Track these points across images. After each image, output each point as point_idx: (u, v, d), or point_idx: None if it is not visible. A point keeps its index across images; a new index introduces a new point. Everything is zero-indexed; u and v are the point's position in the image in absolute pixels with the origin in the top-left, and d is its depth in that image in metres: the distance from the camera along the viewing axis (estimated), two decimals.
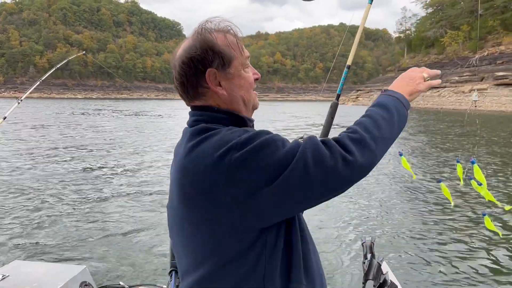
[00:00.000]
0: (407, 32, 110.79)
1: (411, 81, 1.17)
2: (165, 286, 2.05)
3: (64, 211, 7.17)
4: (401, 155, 1.48)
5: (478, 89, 56.86)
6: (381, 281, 1.21)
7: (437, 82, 1.22)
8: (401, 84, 1.17)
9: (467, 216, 6.79)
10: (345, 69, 1.65)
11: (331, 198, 0.99)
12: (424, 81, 1.18)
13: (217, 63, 1.08)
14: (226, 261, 1.01)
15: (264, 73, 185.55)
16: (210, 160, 0.96)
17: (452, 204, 1.47)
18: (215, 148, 0.97)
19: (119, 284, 2.39)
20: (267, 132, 1.02)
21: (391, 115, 1.07)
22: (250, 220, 0.97)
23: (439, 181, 1.43)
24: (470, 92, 58.39)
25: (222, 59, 1.08)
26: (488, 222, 1.37)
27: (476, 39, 70.94)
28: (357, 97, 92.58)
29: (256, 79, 1.17)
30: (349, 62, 1.63)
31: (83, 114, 40.08)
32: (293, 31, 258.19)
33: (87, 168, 11.57)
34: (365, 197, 8.23)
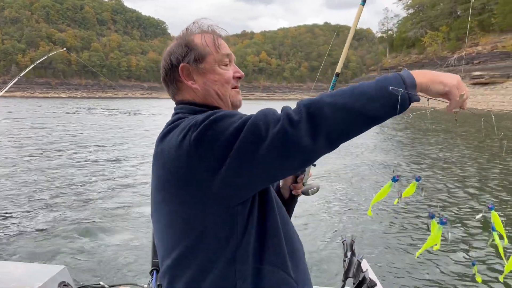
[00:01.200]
0: (389, 32, 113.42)
1: (442, 74, 1.00)
2: (146, 285, 2.04)
3: (43, 210, 7.01)
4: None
5: None
6: (360, 279, 1.26)
7: (457, 105, 0.99)
8: (427, 71, 1.00)
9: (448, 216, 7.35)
10: (334, 77, 1.62)
11: (290, 166, 0.97)
12: (458, 93, 0.96)
13: (189, 59, 1.16)
14: (196, 242, 1.03)
15: (250, 72, 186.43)
16: (175, 143, 1.00)
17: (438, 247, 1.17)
18: (179, 131, 1.01)
19: (99, 284, 2.34)
20: (224, 110, 1.05)
21: (368, 86, 0.95)
22: (217, 197, 0.98)
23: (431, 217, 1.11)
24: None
25: (195, 55, 1.15)
26: (477, 276, 1.15)
27: (454, 39, 73.43)
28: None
29: (238, 77, 1.22)
30: (338, 70, 1.58)
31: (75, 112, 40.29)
32: (278, 30, 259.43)
33: (65, 166, 11.35)
34: (347, 197, 8.32)
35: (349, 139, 0.96)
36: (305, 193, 1.26)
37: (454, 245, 5.42)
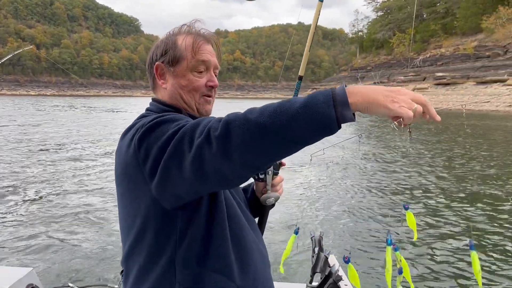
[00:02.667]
0: (359, 33, 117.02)
1: (389, 92, 0.83)
2: (117, 286, 2.04)
3: (7, 212, 6.87)
4: (406, 208, 1.24)
5: (419, 88, 62.24)
6: (327, 273, 1.29)
7: (409, 119, 0.81)
8: (371, 88, 0.84)
9: (418, 212, 6.87)
10: (298, 81, 1.52)
11: (208, 184, 0.92)
12: (409, 109, 0.81)
13: (165, 59, 1.17)
14: (139, 241, 1.05)
15: (224, 70, 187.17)
16: (127, 142, 1.02)
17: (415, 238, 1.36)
18: (134, 130, 1.02)
19: (68, 286, 2.28)
20: (172, 115, 1.05)
21: (293, 102, 0.83)
22: (155, 199, 0.99)
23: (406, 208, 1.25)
24: (413, 91, 63.64)
25: (171, 56, 1.16)
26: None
27: (420, 41, 76.99)
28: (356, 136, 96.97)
29: (210, 86, 1.19)
30: (301, 72, 1.51)
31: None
32: (252, 29, 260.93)
33: (31, 166, 11.14)
34: (318, 195, 8.41)
35: (272, 161, 0.90)
36: (263, 202, 1.27)
37: (424, 244, 5.45)
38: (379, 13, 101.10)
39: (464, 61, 64.50)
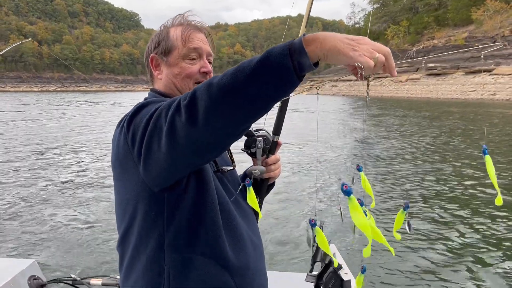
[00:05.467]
0: (356, 25, 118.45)
1: (349, 40, 0.79)
2: (119, 277, 1.84)
3: (10, 203, 6.94)
4: (360, 170, 1.13)
5: (412, 78, 64.18)
6: (327, 262, 1.30)
7: (370, 69, 0.78)
8: (331, 35, 0.79)
9: (416, 206, 6.71)
10: None
11: (183, 155, 0.91)
12: (370, 58, 0.78)
13: (158, 50, 1.22)
14: (130, 224, 1.08)
15: (225, 64, 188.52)
16: (119, 129, 1.05)
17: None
18: (124, 117, 1.05)
19: (70, 277, 2.26)
20: (157, 98, 1.13)
21: (248, 61, 0.81)
22: (143, 182, 1.00)
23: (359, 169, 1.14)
24: (406, 81, 65.68)
25: (163, 47, 1.21)
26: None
27: (414, 33, 78.67)
28: (310, 88, 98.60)
29: (204, 73, 1.20)
30: None
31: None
32: (252, 22, 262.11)
33: (34, 158, 11.32)
34: (317, 183, 8.37)
35: (241, 123, 0.86)
36: (249, 175, 1.27)
37: (424, 238, 5.30)
38: (375, 6, 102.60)
39: (455, 52, 66.36)
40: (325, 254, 1.30)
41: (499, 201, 0.96)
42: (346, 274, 1.60)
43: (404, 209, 1.02)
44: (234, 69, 0.82)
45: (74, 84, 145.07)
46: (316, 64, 0.80)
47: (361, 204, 0.95)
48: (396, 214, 1.04)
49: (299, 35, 1.22)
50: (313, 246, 1.41)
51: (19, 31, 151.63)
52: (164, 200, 1.03)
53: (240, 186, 1.22)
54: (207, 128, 0.83)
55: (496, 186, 0.97)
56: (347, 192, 0.85)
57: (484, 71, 54.42)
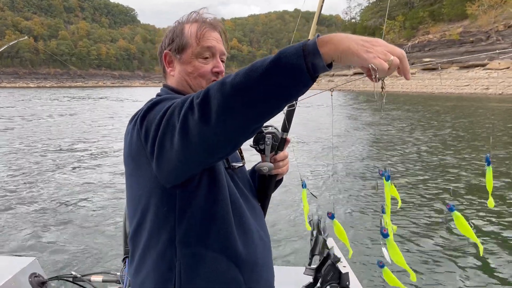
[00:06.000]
0: (352, 20, 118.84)
1: (364, 42, 0.79)
2: (119, 273, 2.07)
3: (11, 201, 6.96)
4: (387, 178, 1.12)
5: None
6: (325, 255, 1.32)
7: (384, 72, 0.77)
8: (346, 36, 0.80)
9: (415, 199, 6.82)
10: None
11: (195, 153, 0.91)
12: (384, 61, 0.77)
13: (171, 47, 1.21)
14: (142, 220, 1.09)
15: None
16: (132, 124, 1.05)
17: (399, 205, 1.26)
18: (137, 113, 1.06)
19: (71, 274, 2.26)
20: (171, 95, 1.14)
21: (262, 60, 0.82)
22: (156, 178, 1.01)
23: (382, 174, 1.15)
24: (401, 75, 66.23)
25: (177, 44, 1.20)
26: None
27: (409, 28, 79.17)
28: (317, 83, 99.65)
29: (216, 72, 1.20)
30: None
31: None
32: (248, 16, 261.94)
33: (35, 155, 11.35)
34: (317, 178, 8.37)
35: (253, 123, 0.86)
36: (258, 172, 1.31)
37: (420, 231, 5.34)
38: (371, 1, 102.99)
39: (449, 47, 66.97)
40: (323, 248, 1.37)
41: (491, 203, 0.94)
42: (344, 267, 1.65)
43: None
44: (247, 69, 0.82)
45: (70, 80, 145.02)
46: (330, 65, 0.80)
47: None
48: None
49: (310, 32, 1.29)
50: (311, 240, 1.53)
51: (15, 27, 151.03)
52: (176, 197, 1.04)
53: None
54: (220, 126, 0.84)
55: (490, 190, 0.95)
56: (385, 235, 0.86)
57: (477, 66, 55.14)
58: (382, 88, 0.88)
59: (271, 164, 1.29)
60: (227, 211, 1.09)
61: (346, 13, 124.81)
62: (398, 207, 1.19)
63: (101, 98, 48.87)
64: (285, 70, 0.78)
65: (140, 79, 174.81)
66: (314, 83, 0.82)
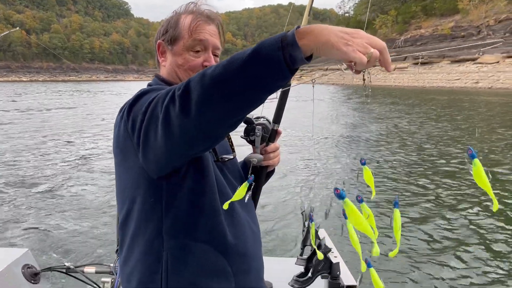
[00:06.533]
0: (346, 15, 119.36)
1: (343, 34, 0.76)
2: (113, 265, 2.09)
3: (3, 193, 6.94)
4: (363, 164, 1.12)
5: (400, 68, 65.54)
6: (316, 245, 1.31)
7: (363, 64, 0.74)
8: (326, 28, 0.77)
9: (408, 192, 6.88)
10: None
11: (176, 144, 0.91)
12: (364, 53, 0.74)
13: (165, 37, 1.21)
14: (130, 210, 1.09)
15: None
16: (120, 115, 1.06)
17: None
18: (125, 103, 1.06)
19: (64, 265, 2.24)
20: (158, 86, 1.14)
21: (241, 52, 0.80)
22: (142, 169, 1.02)
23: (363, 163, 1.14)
24: (394, 70, 67.02)
25: (170, 35, 1.19)
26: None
27: (401, 23, 79.84)
28: (300, 76, 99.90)
29: (206, 66, 1.17)
30: None
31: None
32: (243, 10, 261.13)
33: (27, 146, 11.31)
34: (308, 171, 8.44)
35: (232, 115, 0.85)
36: (247, 163, 1.29)
37: (412, 222, 5.43)
38: None
39: (441, 41, 67.78)
40: (315, 238, 1.34)
41: (496, 206, 0.88)
42: (335, 257, 1.70)
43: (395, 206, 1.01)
44: (227, 60, 0.81)
45: (63, 74, 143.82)
46: (309, 58, 0.77)
47: (361, 200, 0.97)
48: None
49: (302, 25, 1.21)
50: (303, 231, 1.57)
51: (7, 20, 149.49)
52: (162, 187, 1.04)
53: (248, 184, 1.16)
54: (200, 119, 0.83)
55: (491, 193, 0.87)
56: (340, 196, 0.84)
57: (468, 60, 55.96)
58: (364, 79, 0.86)
59: (261, 156, 1.29)
60: (215, 203, 1.08)
61: (340, 7, 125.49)
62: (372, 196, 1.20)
63: (101, 91, 49.00)
64: (263, 62, 0.77)
65: (134, 73, 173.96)
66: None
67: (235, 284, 1.11)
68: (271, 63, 0.76)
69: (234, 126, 0.90)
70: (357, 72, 0.80)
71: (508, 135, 12.86)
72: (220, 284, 1.09)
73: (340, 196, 0.83)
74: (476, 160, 0.85)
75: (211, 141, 0.94)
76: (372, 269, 1.00)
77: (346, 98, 35.69)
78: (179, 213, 1.05)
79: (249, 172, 1.24)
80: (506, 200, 6.33)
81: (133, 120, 0.98)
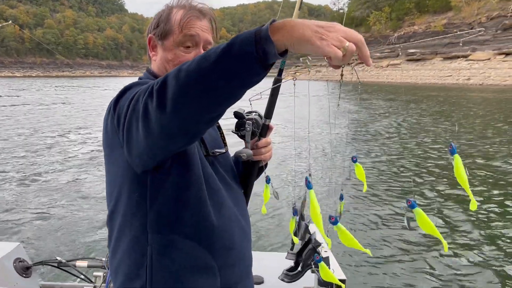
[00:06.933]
0: (340, 11, 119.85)
1: (318, 28, 0.73)
2: (105, 259, 2.08)
3: None
4: (355, 161, 1.15)
5: (393, 64, 66.19)
6: (306, 240, 1.33)
7: (338, 60, 0.73)
8: (300, 23, 0.74)
9: (396, 188, 6.99)
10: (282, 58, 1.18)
11: (152, 139, 0.90)
12: (339, 48, 0.72)
13: (156, 32, 1.19)
14: (117, 203, 1.10)
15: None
16: (108, 109, 1.05)
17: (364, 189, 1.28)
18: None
19: (56, 259, 2.22)
20: (144, 80, 1.14)
21: (216, 47, 0.78)
22: (127, 164, 1.02)
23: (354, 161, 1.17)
24: (387, 66, 67.65)
25: (161, 30, 1.17)
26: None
27: (395, 19, 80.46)
28: (295, 72, 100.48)
29: None
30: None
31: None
32: (237, 6, 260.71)
33: (19, 142, 11.28)
34: (300, 165, 8.56)
35: (207, 112, 0.83)
36: (237, 158, 1.29)
37: (394, 218, 5.49)
38: None
39: (434, 38, 68.54)
40: (305, 232, 1.38)
41: (473, 205, 0.86)
42: (325, 251, 1.72)
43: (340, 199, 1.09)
44: (203, 55, 0.79)
45: (57, 69, 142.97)
46: (283, 54, 0.76)
47: (341, 198, 1.02)
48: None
49: (293, 18, 1.22)
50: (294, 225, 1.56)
51: (0, 15, 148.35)
52: (147, 182, 1.04)
53: (269, 185, 1.30)
54: (176, 114, 0.82)
55: (468, 191, 0.85)
56: (335, 223, 0.88)
57: (460, 57, 56.68)
58: (342, 74, 0.83)
59: (250, 151, 1.28)
60: (201, 197, 1.08)
61: (334, 4, 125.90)
62: (364, 190, 1.28)
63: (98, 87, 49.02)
64: (237, 57, 0.75)
65: (129, 69, 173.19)
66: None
67: (221, 279, 1.11)
68: (244, 57, 0.74)
69: (212, 122, 0.88)
70: (336, 67, 0.77)
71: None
72: (205, 279, 1.09)
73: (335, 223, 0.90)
74: (457, 156, 0.82)
75: (190, 137, 0.92)
76: (340, 225, 1.00)
77: (334, 94, 35.99)
78: (163, 208, 1.05)
79: (242, 167, 1.31)
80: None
81: (118, 116, 0.98)
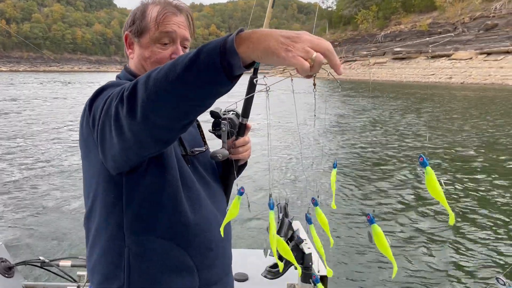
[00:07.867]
0: (329, 9, 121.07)
1: (284, 39, 0.70)
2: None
3: None
4: (335, 166, 1.13)
5: (379, 62, 67.57)
6: (289, 236, 1.34)
7: (307, 70, 0.70)
8: (266, 34, 0.71)
9: (383, 185, 6.97)
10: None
11: (125, 145, 0.88)
12: (306, 58, 0.69)
13: (132, 29, 1.17)
14: (93, 204, 1.08)
15: (199, 45, 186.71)
16: (84, 109, 1.03)
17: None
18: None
19: (39, 259, 2.19)
20: (120, 81, 1.13)
21: (185, 54, 0.77)
22: (102, 165, 1.00)
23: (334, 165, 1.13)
24: (373, 65, 69.01)
25: (137, 27, 1.15)
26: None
27: (382, 18, 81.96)
28: (283, 70, 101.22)
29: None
30: None
31: None
32: (227, 2, 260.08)
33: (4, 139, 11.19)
34: (288, 163, 8.51)
35: (176, 120, 0.82)
36: (213, 158, 1.23)
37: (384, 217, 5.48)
38: None
39: (419, 37, 70.09)
40: (288, 230, 1.38)
41: (452, 219, 0.80)
42: (308, 248, 1.74)
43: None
44: (171, 63, 0.77)
45: (44, 64, 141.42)
46: (249, 66, 0.74)
47: (315, 204, 1.01)
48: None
49: (266, 15, 1.32)
50: (278, 223, 1.55)
51: None
52: (122, 184, 1.03)
53: (240, 197, 1.02)
54: (146, 122, 0.80)
55: (446, 204, 0.78)
56: (309, 220, 0.94)
57: (443, 56, 58.26)
58: (314, 84, 0.79)
59: (226, 151, 1.24)
60: (177, 198, 1.07)
61: (323, 2, 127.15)
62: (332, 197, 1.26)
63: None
64: (203, 67, 0.73)
65: (117, 64, 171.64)
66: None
67: (199, 279, 1.11)
68: (210, 68, 0.72)
69: (185, 129, 0.87)
70: (308, 77, 0.73)
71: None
72: (183, 280, 1.08)
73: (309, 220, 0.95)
74: (428, 168, 0.77)
75: (163, 143, 0.91)
76: (317, 208, 1.04)
77: (332, 93, 37.10)
78: (139, 209, 1.04)
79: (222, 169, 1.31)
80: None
81: (93, 116, 0.96)
